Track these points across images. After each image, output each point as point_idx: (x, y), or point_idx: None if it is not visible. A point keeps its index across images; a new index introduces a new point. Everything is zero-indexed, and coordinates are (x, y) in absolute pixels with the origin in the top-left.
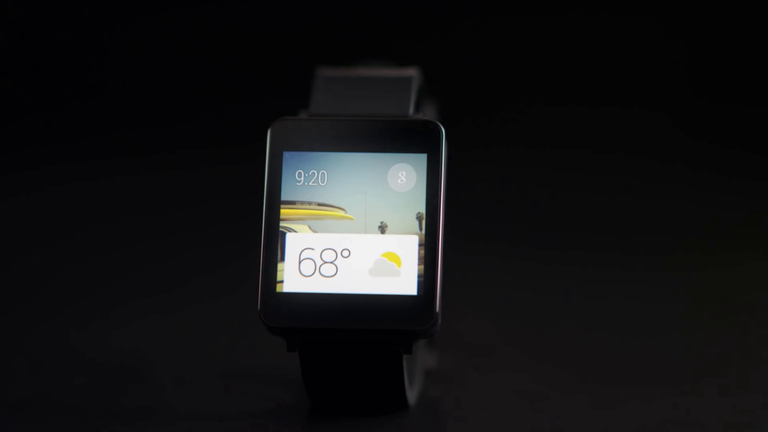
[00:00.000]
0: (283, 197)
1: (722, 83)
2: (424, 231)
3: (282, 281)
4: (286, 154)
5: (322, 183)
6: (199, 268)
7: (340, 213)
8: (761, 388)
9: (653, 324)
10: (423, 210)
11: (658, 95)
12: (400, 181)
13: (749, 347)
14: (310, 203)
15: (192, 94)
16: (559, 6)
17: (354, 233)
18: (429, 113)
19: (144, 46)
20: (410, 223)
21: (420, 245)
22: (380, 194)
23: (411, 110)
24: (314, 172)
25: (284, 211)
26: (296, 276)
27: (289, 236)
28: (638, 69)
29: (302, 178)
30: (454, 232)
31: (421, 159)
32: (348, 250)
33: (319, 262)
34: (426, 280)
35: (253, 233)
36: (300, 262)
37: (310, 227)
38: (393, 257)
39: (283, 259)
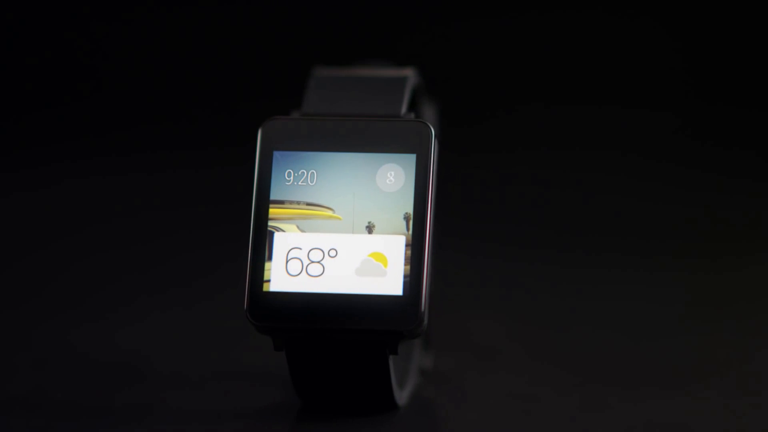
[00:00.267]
0: (273, 197)
1: (726, 84)
2: (411, 231)
3: (269, 280)
4: (276, 154)
5: (312, 183)
6: (198, 268)
7: (329, 213)
8: (758, 392)
9: (659, 325)
10: (411, 210)
11: (661, 96)
12: (389, 182)
13: (750, 350)
14: (299, 203)
15: (190, 93)
16: (560, 5)
17: (341, 233)
18: (428, 114)
19: (140, 46)
20: (398, 223)
21: (407, 246)
22: (369, 194)
23: (403, 110)
24: (304, 172)
25: (273, 211)
26: (283, 275)
27: (277, 236)
28: (641, 69)
29: (292, 177)
30: (459, 233)
31: (410, 159)
32: (335, 249)
33: (306, 261)
34: (412, 280)
35: (248, 233)
36: (287, 262)
37: (298, 227)
38: (380, 257)
39: (270, 258)
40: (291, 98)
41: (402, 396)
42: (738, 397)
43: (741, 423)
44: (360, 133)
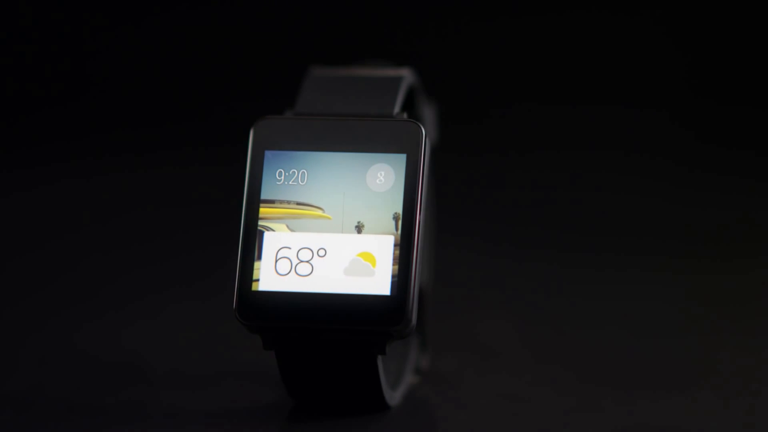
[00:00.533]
0: (263, 196)
1: (724, 83)
2: (399, 231)
3: (258, 280)
4: (268, 153)
5: (302, 182)
6: (197, 268)
7: (318, 212)
8: (754, 395)
9: (664, 325)
10: (400, 210)
11: (660, 95)
12: (379, 181)
13: (751, 352)
14: (289, 202)
15: (190, 93)
16: (558, 5)
17: (331, 233)
18: (427, 114)
19: (139, 47)
20: (387, 223)
21: (395, 245)
22: (358, 194)
23: (396, 110)
24: (294, 172)
25: (263, 210)
26: (272, 275)
27: (266, 235)
28: (639, 68)
29: (282, 177)
30: (462, 233)
31: (401, 159)
32: (324, 249)
33: (295, 261)
34: (400, 280)
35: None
36: (276, 261)
37: (288, 226)
38: (368, 257)
39: (260, 257)
40: (290, 98)
41: (394, 396)
42: (734, 399)
43: (734, 426)
44: (351, 133)
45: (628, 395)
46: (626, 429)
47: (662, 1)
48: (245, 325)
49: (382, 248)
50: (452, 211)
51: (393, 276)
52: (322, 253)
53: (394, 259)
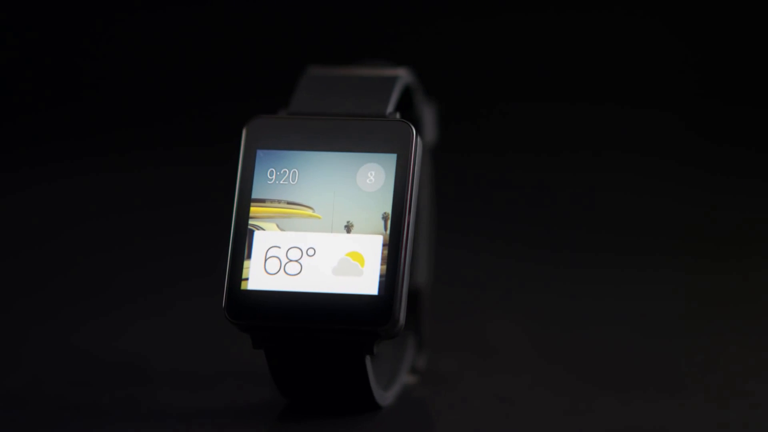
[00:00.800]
0: (254, 195)
1: (730, 82)
2: (388, 231)
3: (247, 279)
4: (260, 152)
5: (293, 182)
6: (195, 267)
7: (308, 212)
8: (751, 398)
9: (669, 326)
10: (389, 210)
11: (665, 95)
12: (369, 181)
13: (751, 355)
14: (279, 201)
15: (187, 93)
16: (563, 4)
17: (320, 232)
18: (427, 114)
19: (137, 48)
20: (376, 223)
21: (384, 245)
22: (348, 194)
23: (389, 110)
24: (286, 171)
25: (254, 209)
26: (261, 274)
27: (257, 234)
28: (644, 68)
29: (274, 176)
30: (466, 233)
31: (391, 159)
32: (313, 248)
33: (284, 260)
34: (387, 280)
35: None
36: (266, 260)
37: (278, 225)
38: (357, 257)
39: (249, 256)
40: (288, 97)
41: (386, 396)
42: (730, 401)
43: (727, 428)
44: (342, 133)
45: (625, 397)
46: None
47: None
48: (234, 324)
49: (371, 248)
50: (455, 211)
51: (381, 276)
52: (311, 252)
53: (382, 259)
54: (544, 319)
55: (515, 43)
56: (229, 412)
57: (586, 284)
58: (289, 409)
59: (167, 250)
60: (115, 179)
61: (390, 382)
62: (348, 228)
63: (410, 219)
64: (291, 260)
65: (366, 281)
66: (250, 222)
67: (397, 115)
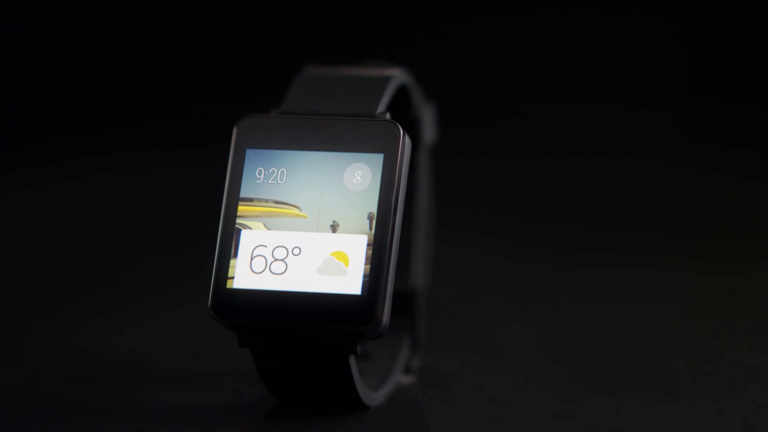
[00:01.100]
0: (243, 194)
1: (726, 83)
2: (373, 231)
3: (233, 277)
4: (249, 152)
5: (281, 181)
6: (195, 267)
7: (295, 211)
8: (747, 401)
9: (672, 327)
10: (375, 210)
11: (662, 95)
12: (356, 181)
13: (751, 357)
14: (267, 201)
15: (186, 93)
16: (560, 5)
17: (306, 231)
18: (426, 115)
19: (136, 49)
20: (361, 222)
21: (369, 245)
22: (335, 193)
23: (379, 110)
24: (274, 170)
25: (242, 208)
26: (247, 273)
27: (244, 233)
28: (641, 69)
29: (262, 175)
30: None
31: (378, 159)
32: (299, 248)
33: (270, 259)
34: (371, 280)
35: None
36: (252, 259)
37: (265, 225)
38: (341, 256)
39: (236, 255)
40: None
41: (375, 396)
42: (721, 406)
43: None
44: (330, 132)
45: (622, 399)
46: None
47: (667, 1)
48: (219, 322)
49: (355, 248)
50: (460, 211)
51: (365, 276)
52: (296, 251)
53: (366, 258)
54: (551, 320)
55: (514, 44)
56: (221, 411)
57: (596, 285)
58: (278, 409)
59: (168, 249)
60: (115, 179)
61: (381, 383)
62: (334, 227)
63: (396, 219)
64: (277, 259)
65: (349, 281)
66: (238, 221)
67: (388, 115)
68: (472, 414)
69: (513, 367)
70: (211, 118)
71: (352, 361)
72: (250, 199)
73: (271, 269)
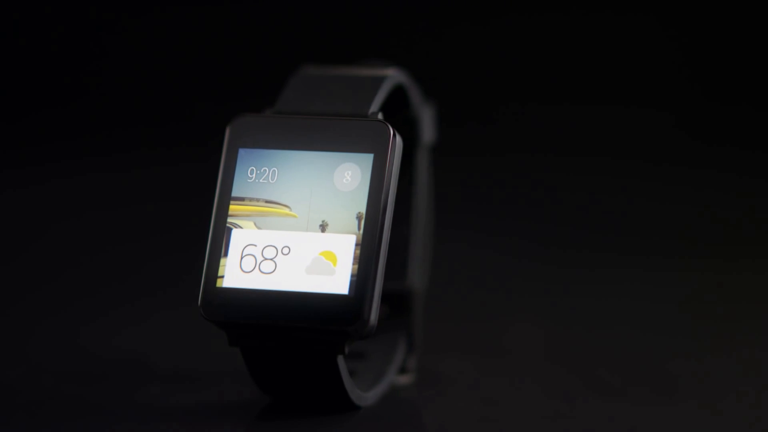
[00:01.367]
0: (234, 193)
1: (727, 84)
2: (362, 231)
3: (222, 276)
4: (242, 151)
5: (272, 180)
6: (194, 266)
7: (285, 210)
8: (746, 401)
9: (673, 327)
10: (363, 210)
11: (663, 96)
12: (346, 181)
13: (751, 357)
14: (258, 200)
15: (187, 92)
16: (560, 5)
17: (296, 231)
18: (425, 115)
19: (135, 49)
20: (350, 222)
21: (357, 245)
22: (325, 193)
23: (372, 110)
24: (266, 170)
25: (233, 207)
26: (236, 272)
27: (234, 232)
28: (641, 69)
29: (254, 175)
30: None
31: (368, 159)
32: (288, 247)
33: (260, 258)
34: (359, 280)
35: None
36: (242, 258)
37: (255, 224)
38: (330, 256)
39: (226, 254)
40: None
41: (366, 396)
42: (716, 410)
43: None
44: (321, 132)
45: (618, 400)
46: None
47: (665, 2)
48: (209, 321)
49: (344, 247)
50: (462, 211)
51: (352, 276)
52: (286, 251)
53: (354, 258)
54: (551, 320)
55: (513, 45)
56: (218, 410)
57: (594, 285)
58: (270, 408)
59: (167, 249)
60: (115, 179)
61: (373, 383)
62: (323, 227)
63: (385, 219)
64: (266, 258)
65: (337, 281)
66: (229, 220)
67: (380, 116)
68: (462, 414)
69: (516, 368)
70: (210, 117)
71: (341, 360)
72: (242, 199)
73: (261, 268)
